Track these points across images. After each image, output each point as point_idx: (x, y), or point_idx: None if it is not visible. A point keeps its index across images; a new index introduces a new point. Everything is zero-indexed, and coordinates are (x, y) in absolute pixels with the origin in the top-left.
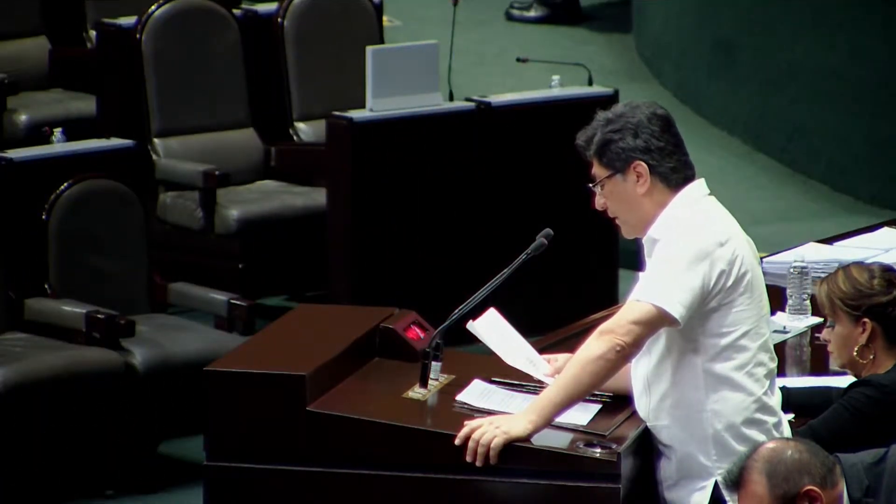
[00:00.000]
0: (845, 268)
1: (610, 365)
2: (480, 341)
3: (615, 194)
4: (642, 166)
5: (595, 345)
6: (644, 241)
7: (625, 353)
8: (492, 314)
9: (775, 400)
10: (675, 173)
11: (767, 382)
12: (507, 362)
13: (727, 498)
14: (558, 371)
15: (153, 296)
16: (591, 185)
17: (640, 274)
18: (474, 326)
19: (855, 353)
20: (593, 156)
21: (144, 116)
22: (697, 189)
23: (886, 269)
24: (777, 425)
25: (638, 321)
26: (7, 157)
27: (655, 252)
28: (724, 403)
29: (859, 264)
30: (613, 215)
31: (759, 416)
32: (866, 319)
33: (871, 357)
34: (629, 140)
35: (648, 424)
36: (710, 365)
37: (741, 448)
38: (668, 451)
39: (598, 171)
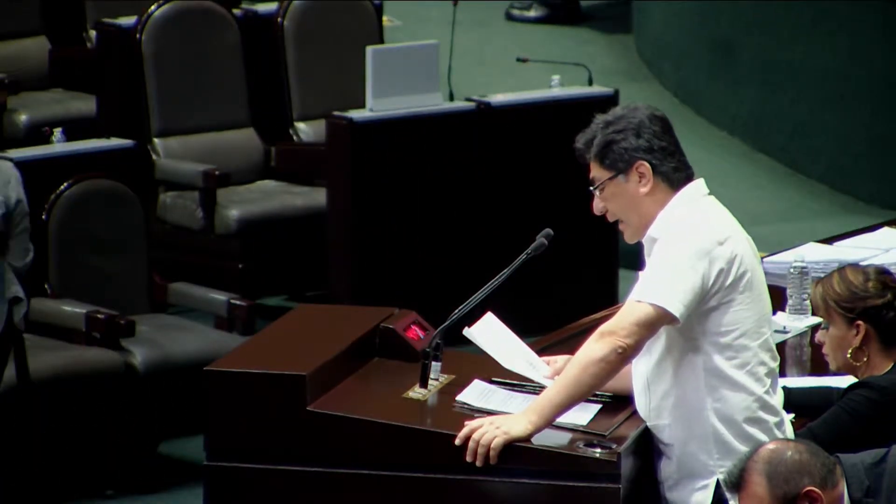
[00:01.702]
0: (840, 270)
1: (611, 367)
2: None
3: (617, 196)
4: (645, 166)
5: (596, 347)
6: (644, 240)
7: (626, 355)
8: (488, 318)
9: (777, 399)
10: (677, 173)
11: (769, 381)
12: (505, 367)
13: (728, 498)
14: (558, 373)
15: (153, 296)
16: (591, 188)
17: (640, 273)
18: (471, 332)
19: (849, 355)
20: (594, 158)
21: (144, 116)
22: (697, 189)
23: (881, 271)
24: (779, 424)
25: (639, 322)
26: (7, 157)
27: (654, 251)
28: (725, 402)
29: (854, 266)
30: (614, 218)
31: (760, 414)
32: (860, 322)
33: (865, 359)
34: (631, 140)
35: (649, 424)
36: (710, 364)
37: (743, 447)
38: (669, 451)
39: (598, 173)
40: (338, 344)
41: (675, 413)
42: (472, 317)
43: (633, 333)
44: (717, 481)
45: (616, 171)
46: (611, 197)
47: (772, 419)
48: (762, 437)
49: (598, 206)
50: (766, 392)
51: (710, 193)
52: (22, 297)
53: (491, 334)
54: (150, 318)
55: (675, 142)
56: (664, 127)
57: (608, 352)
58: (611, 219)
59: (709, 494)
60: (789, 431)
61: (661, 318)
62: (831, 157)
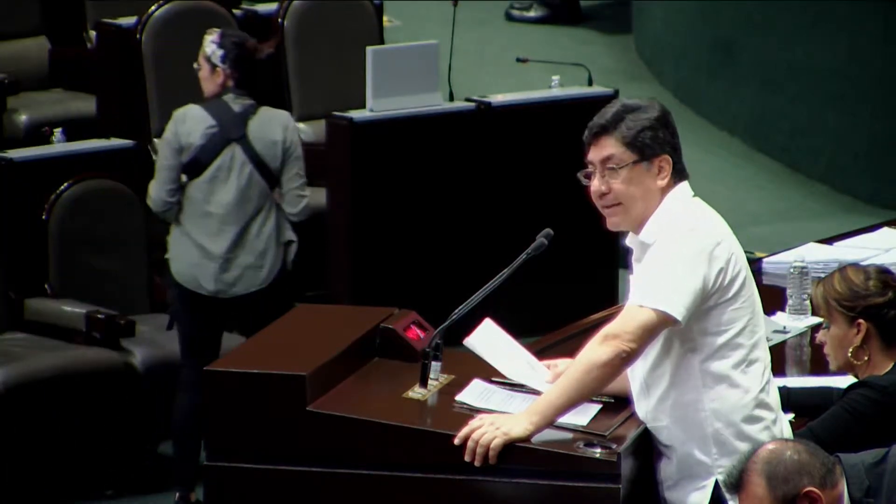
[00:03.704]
0: (841, 269)
1: (614, 371)
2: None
3: (633, 181)
4: (667, 160)
5: (600, 350)
6: (632, 244)
7: (629, 360)
8: (487, 325)
9: (773, 397)
10: (683, 172)
11: (764, 379)
12: (507, 376)
13: (728, 498)
14: (559, 377)
15: (153, 296)
16: (612, 166)
17: (632, 276)
18: (470, 341)
19: (849, 354)
20: (619, 139)
21: (144, 116)
22: (684, 191)
23: (882, 270)
24: (776, 421)
25: (642, 327)
26: (7, 157)
27: (652, 254)
28: (723, 402)
29: (855, 266)
30: (615, 201)
31: (757, 412)
32: (861, 320)
33: (866, 358)
34: (662, 132)
35: (648, 425)
36: (707, 364)
37: (741, 446)
38: (668, 451)
39: (622, 154)
40: (338, 344)
41: (674, 414)
42: (472, 316)
43: (637, 338)
44: (716, 481)
45: (642, 156)
46: (626, 180)
47: (768, 416)
48: (760, 435)
49: (600, 186)
50: (762, 390)
51: (694, 195)
52: (294, 240)
53: (490, 342)
54: (150, 318)
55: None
56: (675, 126)
57: (612, 356)
58: (606, 202)
59: (707, 494)
60: (786, 428)
61: (663, 323)
62: (831, 157)
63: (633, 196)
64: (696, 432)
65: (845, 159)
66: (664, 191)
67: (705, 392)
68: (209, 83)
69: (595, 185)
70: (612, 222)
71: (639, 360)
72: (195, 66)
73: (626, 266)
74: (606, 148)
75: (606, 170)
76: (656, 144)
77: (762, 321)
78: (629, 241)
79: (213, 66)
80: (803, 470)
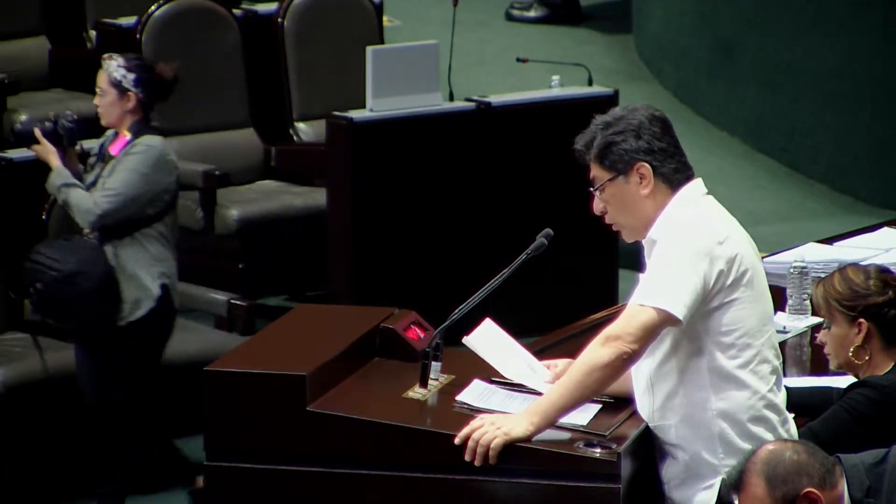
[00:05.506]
0: (841, 269)
1: (615, 372)
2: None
3: (617, 197)
4: (645, 167)
5: (602, 351)
6: (644, 242)
7: (631, 360)
8: (487, 324)
9: (781, 398)
10: (677, 174)
11: (773, 380)
12: (506, 377)
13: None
14: (558, 377)
15: None
16: (591, 188)
17: (641, 276)
18: (470, 340)
19: (850, 354)
20: (594, 159)
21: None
22: (695, 189)
23: (882, 270)
24: (784, 422)
25: (643, 327)
26: (7, 157)
27: (654, 253)
28: (730, 401)
29: (855, 265)
30: (613, 220)
31: (765, 413)
32: (862, 320)
33: (867, 358)
34: (631, 142)
35: (652, 424)
36: (714, 363)
37: (748, 446)
38: (675, 450)
39: (598, 174)
40: (338, 344)
41: (681, 413)
42: (472, 316)
43: (638, 339)
44: (723, 481)
45: (616, 172)
46: (611, 198)
47: (776, 417)
48: (767, 435)
49: (597, 206)
50: (771, 390)
51: (708, 193)
52: None
53: (490, 342)
54: None
55: (675, 142)
56: (664, 127)
57: (614, 357)
58: (609, 220)
59: (714, 494)
60: (793, 430)
61: (664, 322)
62: (831, 157)
63: (623, 211)
64: (702, 431)
65: (845, 159)
66: (655, 196)
67: (713, 391)
68: (115, 108)
69: (594, 205)
70: (623, 236)
71: (645, 357)
72: (98, 91)
73: (628, 266)
74: (591, 170)
75: (596, 191)
76: (627, 155)
77: (773, 321)
78: (643, 240)
79: (124, 91)
80: (802, 470)
